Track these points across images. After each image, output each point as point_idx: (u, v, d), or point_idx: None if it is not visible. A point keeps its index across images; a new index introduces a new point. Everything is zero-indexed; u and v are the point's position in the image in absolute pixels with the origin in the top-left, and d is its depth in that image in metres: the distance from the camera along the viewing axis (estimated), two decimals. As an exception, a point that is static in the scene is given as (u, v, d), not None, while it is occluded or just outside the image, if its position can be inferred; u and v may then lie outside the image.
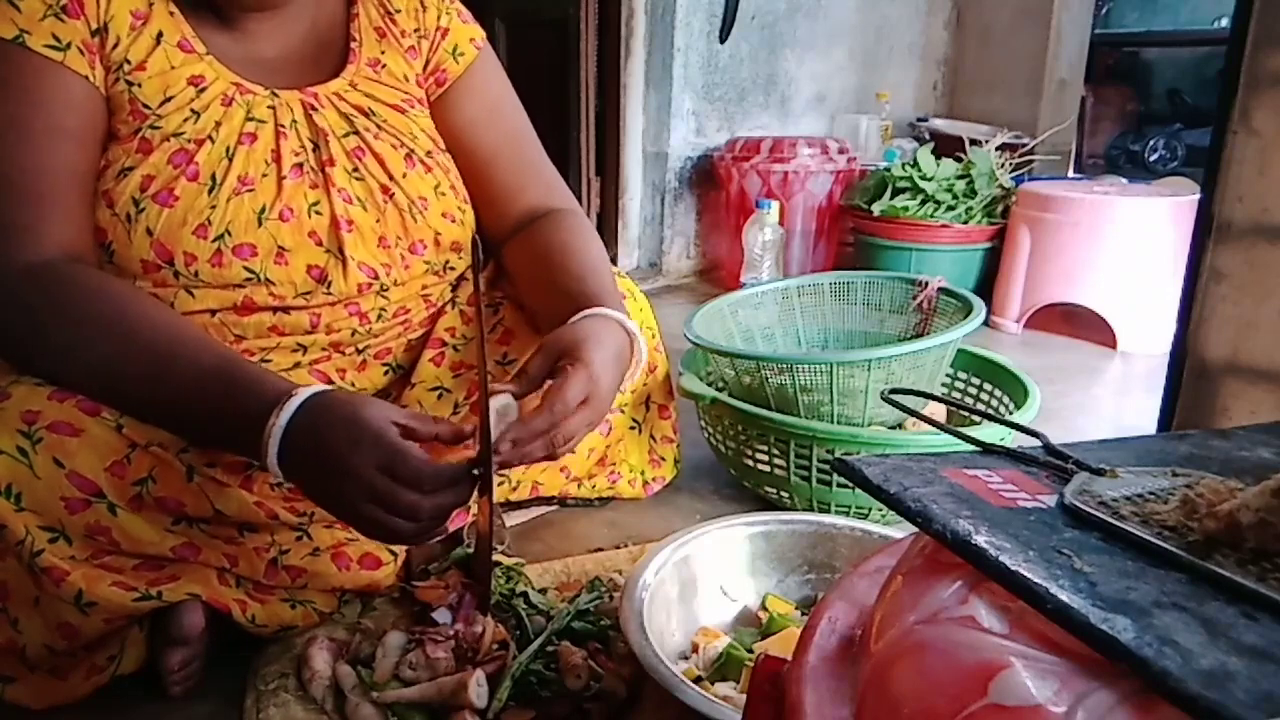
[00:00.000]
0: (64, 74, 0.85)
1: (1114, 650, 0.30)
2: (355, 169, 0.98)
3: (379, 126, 1.00)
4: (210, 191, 0.89)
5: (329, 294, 0.95)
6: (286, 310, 0.95)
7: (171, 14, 0.92)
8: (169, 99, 0.90)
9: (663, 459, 1.30)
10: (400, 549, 1.03)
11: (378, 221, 0.98)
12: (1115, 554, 0.37)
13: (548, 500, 1.25)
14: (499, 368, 1.11)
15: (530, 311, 1.11)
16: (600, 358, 0.87)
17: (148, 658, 0.87)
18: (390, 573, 1.01)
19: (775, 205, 2.47)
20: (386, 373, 1.08)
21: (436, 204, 1.02)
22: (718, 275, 2.95)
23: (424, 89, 1.08)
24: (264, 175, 0.93)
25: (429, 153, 1.04)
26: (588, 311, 0.93)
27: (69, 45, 0.85)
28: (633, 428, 1.25)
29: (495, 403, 0.82)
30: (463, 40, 1.09)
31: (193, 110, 0.91)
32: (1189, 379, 0.92)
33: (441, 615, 0.92)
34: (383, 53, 1.04)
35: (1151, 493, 0.43)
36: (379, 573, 0.99)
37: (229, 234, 0.90)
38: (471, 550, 1.05)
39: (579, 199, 2.75)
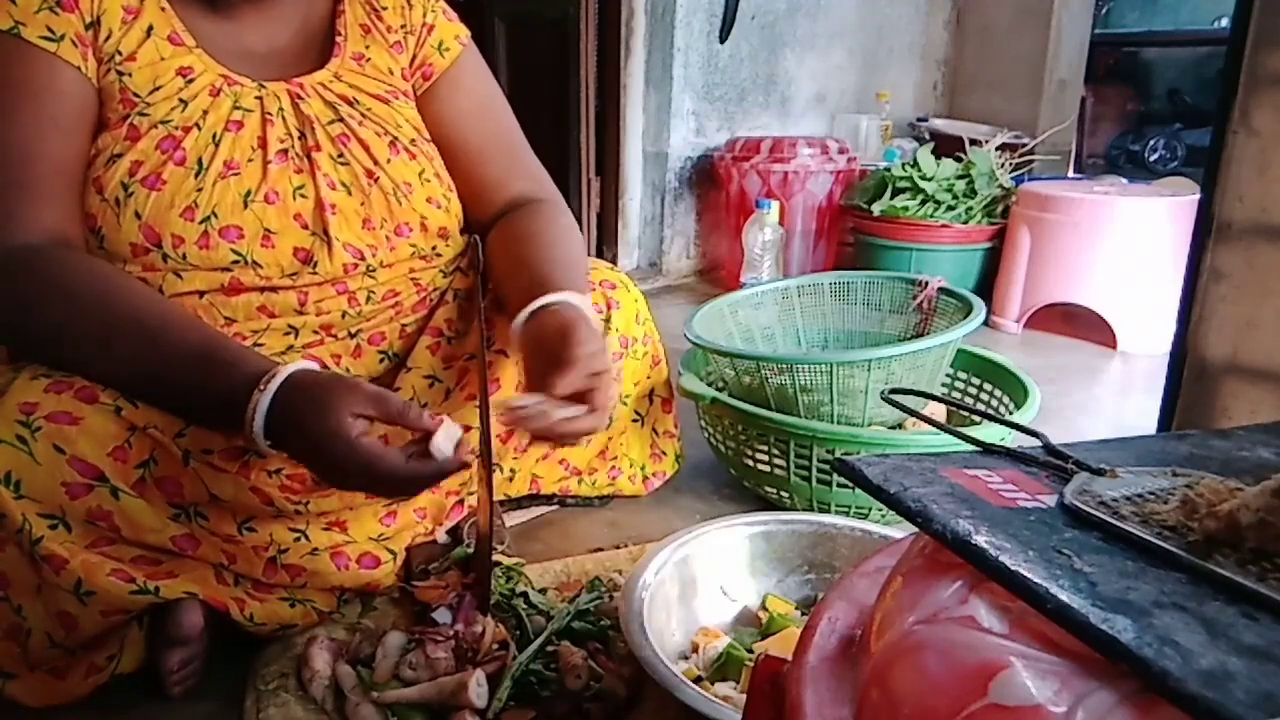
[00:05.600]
0: (57, 64, 0.88)
1: (1114, 650, 0.30)
2: (340, 154, 1.00)
3: (363, 115, 1.03)
4: (197, 175, 0.91)
5: (315, 274, 0.97)
6: (274, 289, 0.96)
7: (163, 9, 0.95)
8: (158, 88, 0.92)
9: (664, 453, 1.30)
10: (400, 549, 1.03)
11: (362, 204, 1.00)
12: (1115, 554, 0.37)
13: (547, 499, 1.25)
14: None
15: (500, 298, 1.10)
16: (590, 325, 0.91)
17: (147, 657, 0.87)
18: (390, 572, 1.01)
19: (775, 205, 2.46)
20: (382, 360, 1.08)
21: (421, 189, 1.04)
22: (718, 275, 2.95)
23: (410, 82, 1.10)
24: (250, 160, 0.95)
25: (413, 140, 1.06)
26: (561, 297, 0.94)
27: (62, 37, 0.88)
28: (635, 420, 1.26)
29: (449, 430, 0.81)
30: (448, 37, 1.12)
31: (181, 99, 0.93)
32: (1189, 379, 0.92)
33: (441, 615, 0.92)
34: (367, 47, 1.07)
35: (1151, 493, 0.43)
36: (378, 572, 0.99)
37: (215, 216, 0.91)
38: (471, 550, 1.05)
39: (579, 199, 2.79)
